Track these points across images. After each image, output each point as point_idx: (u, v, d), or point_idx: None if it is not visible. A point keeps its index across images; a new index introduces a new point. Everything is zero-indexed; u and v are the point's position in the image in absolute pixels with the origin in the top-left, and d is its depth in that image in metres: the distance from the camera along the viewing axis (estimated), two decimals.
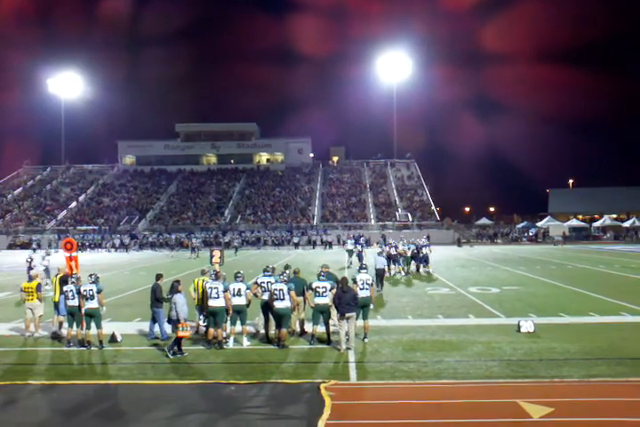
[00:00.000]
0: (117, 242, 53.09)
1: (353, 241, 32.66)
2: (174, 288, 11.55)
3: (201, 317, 12.26)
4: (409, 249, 25.68)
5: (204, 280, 12.17)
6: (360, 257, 26.24)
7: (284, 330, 11.57)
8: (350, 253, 29.59)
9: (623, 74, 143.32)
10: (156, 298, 12.50)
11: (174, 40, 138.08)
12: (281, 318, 11.51)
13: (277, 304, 11.48)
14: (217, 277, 11.71)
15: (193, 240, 41.43)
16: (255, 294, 12.21)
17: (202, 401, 8.37)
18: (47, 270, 22.10)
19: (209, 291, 11.46)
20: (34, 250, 41.13)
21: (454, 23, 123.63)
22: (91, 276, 11.97)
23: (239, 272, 12.23)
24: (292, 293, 11.61)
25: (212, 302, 11.41)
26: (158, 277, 13.09)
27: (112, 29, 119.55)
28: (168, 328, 12.17)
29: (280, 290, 11.48)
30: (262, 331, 12.34)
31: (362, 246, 30.26)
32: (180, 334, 10.75)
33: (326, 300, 11.59)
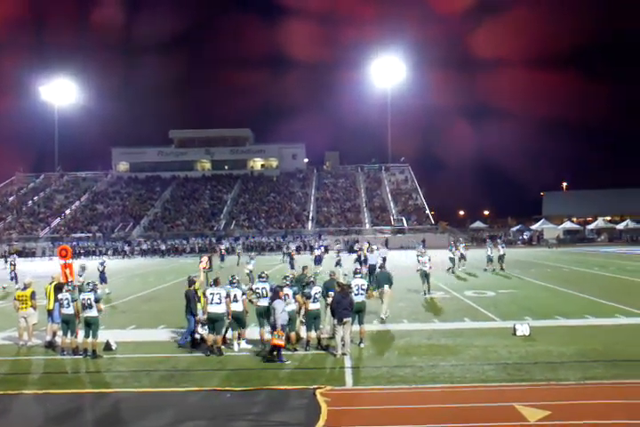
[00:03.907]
0: (119, 248, 53.18)
1: (321, 248, 32.97)
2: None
3: (199, 324, 12.17)
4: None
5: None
6: (339, 261, 26.63)
7: (292, 333, 11.62)
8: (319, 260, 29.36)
9: (615, 77, 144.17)
10: (190, 307, 12.24)
11: (167, 46, 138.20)
12: (288, 322, 11.50)
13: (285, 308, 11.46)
14: (217, 283, 11.69)
15: (221, 246, 40.99)
16: (250, 301, 12.19)
17: (197, 409, 8.32)
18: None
19: (210, 297, 11.42)
20: (18, 254, 40.92)
21: (447, 28, 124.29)
22: (88, 284, 11.91)
23: (234, 278, 12.20)
24: (298, 296, 11.66)
25: (212, 309, 11.37)
26: (191, 283, 12.64)
27: (105, 36, 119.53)
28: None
29: (286, 295, 11.49)
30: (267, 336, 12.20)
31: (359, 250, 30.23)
32: (275, 342, 10.64)
33: (318, 305, 11.59)
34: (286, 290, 11.65)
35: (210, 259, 15.24)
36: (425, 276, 19.22)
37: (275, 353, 10.76)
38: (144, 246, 54.15)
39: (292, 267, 27.93)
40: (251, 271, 22.23)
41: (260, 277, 12.58)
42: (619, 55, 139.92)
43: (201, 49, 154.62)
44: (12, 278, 25.09)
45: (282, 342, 10.68)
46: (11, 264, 27.04)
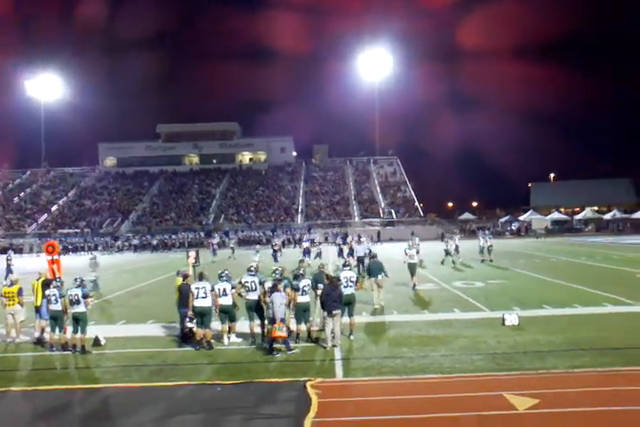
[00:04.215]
0: (109, 243, 53.04)
1: (309, 241, 32.95)
2: (274, 286, 11.28)
3: (187, 318, 12.12)
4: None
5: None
6: (340, 254, 26.47)
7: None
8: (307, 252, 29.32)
9: (602, 69, 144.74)
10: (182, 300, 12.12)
11: (153, 41, 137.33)
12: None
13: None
14: (201, 277, 11.66)
15: (212, 241, 40.69)
16: (240, 294, 12.18)
17: (187, 403, 8.30)
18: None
19: (195, 291, 11.41)
20: (13, 251, 40.78)
21: (433, 20, 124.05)
22: (76, 280, 11.83)
23: (224, 272, 12.19)
24: (288, 289, 11.65)
25: (198, 302, 11.35)
26: (185, 276, 12.47)
27: (90, 31, 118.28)
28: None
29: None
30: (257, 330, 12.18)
31: (343, 244, 30.33)
32: (277, 333, 10.66)
33: (307, 298, 11.59)
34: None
35: (197, 254, 15.21)
36: (412, 268, 19.00)
37: (275, 346, 10.77)
38: (135, 242, 53.94)
39: (276, 260, 28.02)
40: (257, 264, 22.31)
41: (248, 270, 12.55)
42: (604, 47, 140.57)
43: (187, 43, 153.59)
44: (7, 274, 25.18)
45: (283, 334, 10.70)
46: (7, 260, 27.27)
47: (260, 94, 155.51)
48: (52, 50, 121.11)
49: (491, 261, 27.38)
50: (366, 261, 22.93)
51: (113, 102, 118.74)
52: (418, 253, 19.13)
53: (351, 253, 24.46)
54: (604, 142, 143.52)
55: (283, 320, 10.79)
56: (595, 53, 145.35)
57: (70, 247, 51.46)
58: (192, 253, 14.22)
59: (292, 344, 11.32)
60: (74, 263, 31.76)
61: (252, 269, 12.51)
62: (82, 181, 74.44)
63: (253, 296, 11.88)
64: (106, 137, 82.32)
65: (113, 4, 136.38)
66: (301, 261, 15.43)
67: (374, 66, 76.29)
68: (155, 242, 52.79)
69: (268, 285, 11.72)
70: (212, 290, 11.59)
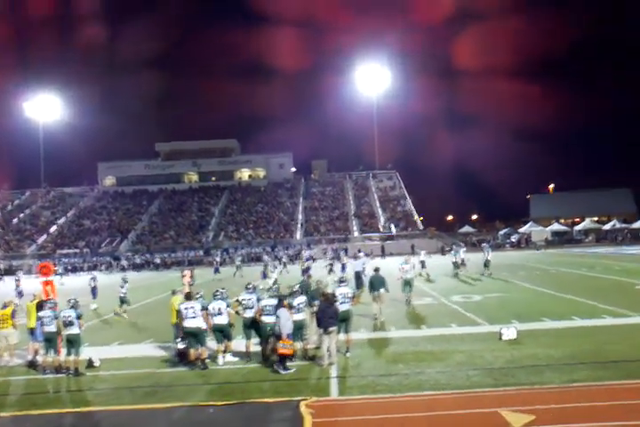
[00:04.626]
0: (113, 263, 53.03)
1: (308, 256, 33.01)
2: (280, 303, 11.19)
3: (178, 339, 12.01)
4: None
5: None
6: (331, 270, 26.56)
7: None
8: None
9: (600, 81, 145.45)
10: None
11: (151, 59, 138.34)
12: (272, 334, 11.38)
13: (268, 319, 11.37)
14: (189, 297, 11.57)
15: (216, 258, 40.71)
16: (237, 312, 12.12)
17: (179, 425, 8.19)
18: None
19: (184, 311, 11.29)
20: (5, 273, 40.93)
21: (431, 35, 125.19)
22: (69, 301, 11.75)
23: (218, 290, 12.12)
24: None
25: (188, 323, 11.24)
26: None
27: (88, 51, 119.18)
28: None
29: (271, 305, 11.40)
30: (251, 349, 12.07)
31: (339, 258, 30.44)
32: (281, 350, 10.55)
33: (302, 315, 11.49)
34: (271, 301, 11.57)
35: (192, 272, 15.15)
36: (407, 284, 18.26)
37: (284, 363, 10.68)
38: (137, 260, 53.90)
39: (265, 277, 28.01)
40: (276, 280, 22.48)
41: (246, 288, 12.51)
42: (602, 60, 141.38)
43: (184, 60, 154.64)
44: (18, 294, 25.28)
45: (288, 351, 10.57)
46: (15, 280, 27.36)
47: (258, 111, 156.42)
48: (50, 71, 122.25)
49: (490, 274, 27.21)
50: (364, 275, 22.98)
51: (112, 122, 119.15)
52: (414, 268, 18.74)
53: (343, 268, 24.65)
54: (603, 153, 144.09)
55: (289, 337, 10.67)
56: (593, 65, 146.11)
57: (69, 268, 51.33)
58: (187, 272, 14.18)
59: (287, 363, 11.23)
60: (73, 284, 31.70)
61: (250, 286, 12.46)
62: (81, 200, 74.46)
63: (251, 314, 11.80)
64: (105, 156, 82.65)
65: (111, 23, 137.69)
66: (309, 277, 15.72)
67: (372, 81, 76.71)
68: (158, 260, 52.79)
69: (264, 303, 11.64)
70: (206, 309, 11.51)
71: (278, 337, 10.73)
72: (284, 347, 10.53)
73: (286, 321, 10.74)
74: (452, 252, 28.57)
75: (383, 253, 51.13)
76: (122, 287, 19.85)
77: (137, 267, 52.37)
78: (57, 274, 42.18)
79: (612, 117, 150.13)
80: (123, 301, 19.75)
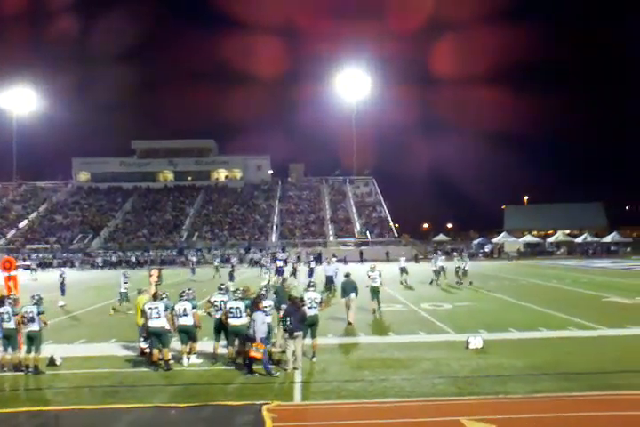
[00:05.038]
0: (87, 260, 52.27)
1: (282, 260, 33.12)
2: (255, 305, 11.01)
3: (141, 338, 11.85)
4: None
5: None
6: (307, 273, 26.86)
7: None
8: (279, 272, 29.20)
9: (575, 93, 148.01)
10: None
11: (130, 56, 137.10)
12: (238, 336, 11.33)
13: (234, 322, 11.27)
14: (155, 297, 11.42)
15: (192, 259, 40.36)
16: (208, 313, 12.01)
17: (139, 426, 8.03)
18: None
19: (149, 312, 11.13)
20: None
21: (411, 44, 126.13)
22: (33, 297, 11.50)
23: (184, 291, 12.00)
24: (248, 310, 11.43)
25: (152, 323, 11.07)
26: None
27: (65, 46, 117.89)
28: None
29: (237, 308, 11.28)
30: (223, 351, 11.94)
31: (313, 263, 30.52)
32: (252, 354, 10.39)
33: (269, 319, 11.39)
34: (237, 303, 11.46)
35: (160, 272, 14.96)
36: (374, 292, 17.92)
37: (253, 367, 10.57)
38: (114, 258, 53.29)
39: (232, 279, 27.93)
40: (268, 282, 22.63)
41: (219, 289, 12.40)
42: (577, 73, 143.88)
43: (164, 60, 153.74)
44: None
45: (259, 355, 10.41)
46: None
47: (238, 113, 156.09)
48: (25, 63, 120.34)
49: (461, 283, 27.34)
50: (335, 280, 23.00)
51: (88, 117, 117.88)
52: (380, 275, 18.34)
53: (311, 273, 24.94)
54: (577, 167, 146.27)
55: (263, 340, 10.55)
56: (568, 79, 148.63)
57: (38, 263, 50.49)
58: (154, 272, 13.98)
59: (254, 366, 11.13)
60: (46, 280, 31.17)
61: (223, 287, 12.36)
62: (54, 195, 73.36)
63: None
64: (80, 152, 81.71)
65: (90, 19, 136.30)
66: (284, 280, 15.92)
67: (352, 87, 76.95)
68: (133, 259, 52.28)
69: (230, 305, 11.51)
70: (172, 310, 11.37)
71: (251, 340, 10.60)
72: (256, 351, 10.40)
73: (261, 324, 10.63)
74: (432, 260, 28.49)
75: (362, 259, 51.23)
76: (125, 283, 19.59)
77: (112, 265, 51.76)
78: (27, 269, 41.58)
79: (587, 132, 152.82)
80: (123, 297, 19.39)
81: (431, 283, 27.30)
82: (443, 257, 29.45)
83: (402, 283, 27.60)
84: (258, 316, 10.71)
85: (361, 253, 53.26)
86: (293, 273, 27.89)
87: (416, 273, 29.72)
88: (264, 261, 36.60)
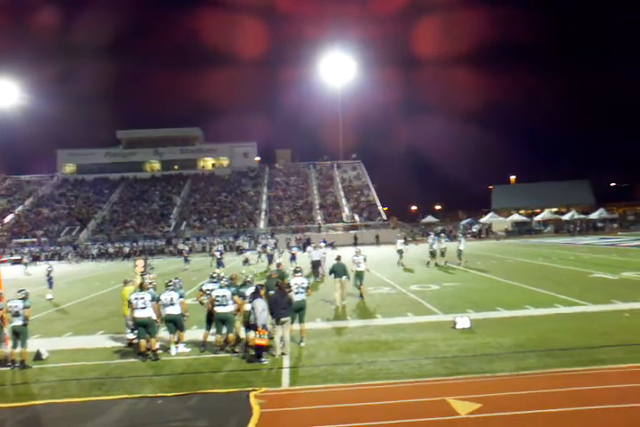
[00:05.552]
0: (79, 252, 51.93)
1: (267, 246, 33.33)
2: (257, 292, 11.01)
3: (128, 329, 11.82)
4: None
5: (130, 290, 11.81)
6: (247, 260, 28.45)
7: (231, 335, 11.47)
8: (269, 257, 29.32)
9: (558, 73, 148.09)
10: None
11: (112, 46, 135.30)
12: (225, 323, 11.37)
13: (221, 309, 11.29)
14: (142, 287, 11.38)
15: (185, 248, 40.17)
16: (200, 302, 12.04)
17: (126, 417, 8.02)
18: None
19: (134, 302, 11.09)
20: None
21: (396, 26, 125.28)
22: (20, 291, 11.42)
23: (171, 280, 11.97)
24: (236, 297, 11.44)
25: (138, 314, 11.04)
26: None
27: (45, 36, 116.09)
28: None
29: (223, 296, 11.29)
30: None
31: (297, 249, 30.75)
32: (257, 342, 10.39)
33: None
34: (224, 291, 11.46)
35: (146, 262, 14.89)
36: (358, 277, 17.73)
37: (258, 353, 10.56)
38: (111, 250, 53.06)
39: (219, 266, 28.08)
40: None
41: (211, 277, 12.40)
42: (563, 52, 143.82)
43: (147, 48, 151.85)
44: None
45: (264, 342, 10.44)
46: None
47: (222, 100, 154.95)
48: (7, 55, 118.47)
49: (445, 262, 27.57)
50: (323, 265, 23.11)
51: (72, 109, 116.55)
52: (365, 260, 18.25)
53: (293, 258, 25.43)
54: (564, 145, 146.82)
55: (265, 327, 10.56)
56: (553, 58, 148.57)
57: (26, 257, 50.15)
58: (140, 262, 13.91)
59: (241, 353, 11.17)
60: (38, 273, 30.93)
61: (215, 276, 12.35)
62: (39, 188, 72.70)
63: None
64: (65, 144, 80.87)
65: (69, 9, 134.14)
66: (279, 264, 16.82)
67: (337, 71, 76.39)
68: (127, 250, 52.12)
69: (216, 293, 11.49)
70: (158, 300, 11.34)
71: (253, 327, 10.59)
72: (260, 338, 10.41)
73: (262, 311, 10.62)
74: (430, 241, 28.57)
75: (356, 242, 51.30)
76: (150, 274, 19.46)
77: (109, 256, 51.54)
78: (17, 263, 41.30)
79: (574, 111, 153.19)
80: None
81: (428, 264, 27.42)
82: (444, 239, 29.37)
83: (399, 265, 27.99)
84: (258, 303, 10.71)
85: (355, 238, 53.44)
86: (270, 260, 28.19)
87: (407, 255, 29.69)
88: (267, 248, 36.57)
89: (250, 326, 10.76)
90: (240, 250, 42.26)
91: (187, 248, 39.85)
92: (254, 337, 10.50)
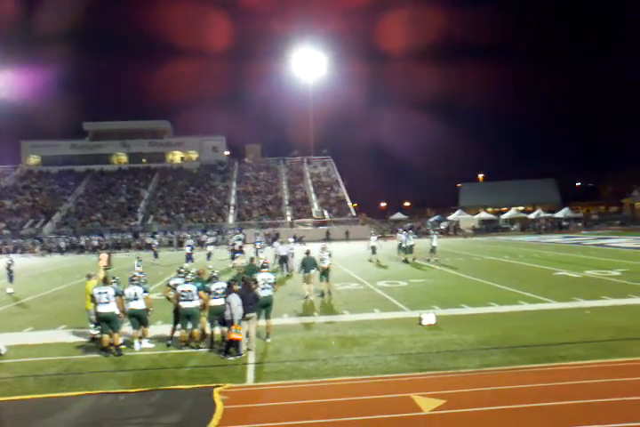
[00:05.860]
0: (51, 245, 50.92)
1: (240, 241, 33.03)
2: (230, 287, 10.86)
3: (91, 324, 11.60)
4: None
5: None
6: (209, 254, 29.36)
7: (196, 330, 11.34)
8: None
9: (533, 70, 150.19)
10: None
11: (80, 36, 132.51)
12: (190, 319, 11.28)
13: (186, 304, 11.17)
14: (106, 282, 11.16)
15: (155, 242, 39.52)
16: (167, 297, 11.88)
17: (87, 413, 7.85)
18: None
19: (98, 296, 10.88)
20: None
21: (365, 21, 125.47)
22: None
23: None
24: (202, 293, 11.32)
25: (101, 308, 10.83)
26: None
27: (11, 24, 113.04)
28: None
29: (189, 291, 11.18)
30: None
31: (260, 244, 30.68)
32: (232, 336, 10.26)
33: (221, 301, 11.26)
34: (189, 286, 11.33)
35: (109, 256, 14.64)
36: (324, 274, 17.34)
37: (232, 348, 10.47)
38: (82, 243, 52.00)
39: (187, 261, 27.96)
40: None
41: (178, 272, 12.22)
42: (530, 50, 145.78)
43: (116, 38, 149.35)
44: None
45: (240, 337, 10.35)
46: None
47: (192, 93, 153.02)
48: None
49: (414, 259, 27.82)
50: (291, 260, 23.16)
51: (37, 99, 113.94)
52: (330, 256, 18.12)
53: (256, 252, 25.62)
54: (531, 144, 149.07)
55: (240, 322, 10.45)
56: (521, 54, 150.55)
57: None
58: (103, 256, 13.66)
59: (205, 349, 11.06)
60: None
61: (182, 271, 12.18)
62: (2, 180, 70.98)
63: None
64: (29, 135, 79.01)
65: None
66: (252, 259, 16.96)
67: (309, 66, 76.16)
68: (95, 243, 51.12)
69: (181, 288, 11.36)
70: (122, 294, 11.14)
71: (230, 323, 10.46)
72: (236, 332, 10.30)
73: (237, 306, 10.52)
74: (403, 237, 28.66)
75: (328, 238, 51.17)
76: (138, 266, 19.26)
77: (78, 249, 50.58)
78: None
79: (543, 110, 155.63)
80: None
81: (405, 261, 27.58)
82: (412, 235, 29.48)
83: (372, 261, 28.14)
84: (233, 298, 10.61)
85: (327, 233, 53.33)
86: (232, 257, 27.98)
87: (379, 251, 29.77)
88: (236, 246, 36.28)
89: (226, 321, 10.64)
90: (203, 244, 42.27)
91: (156, 242, 39.33)
92: (231, 332, 10.38)
